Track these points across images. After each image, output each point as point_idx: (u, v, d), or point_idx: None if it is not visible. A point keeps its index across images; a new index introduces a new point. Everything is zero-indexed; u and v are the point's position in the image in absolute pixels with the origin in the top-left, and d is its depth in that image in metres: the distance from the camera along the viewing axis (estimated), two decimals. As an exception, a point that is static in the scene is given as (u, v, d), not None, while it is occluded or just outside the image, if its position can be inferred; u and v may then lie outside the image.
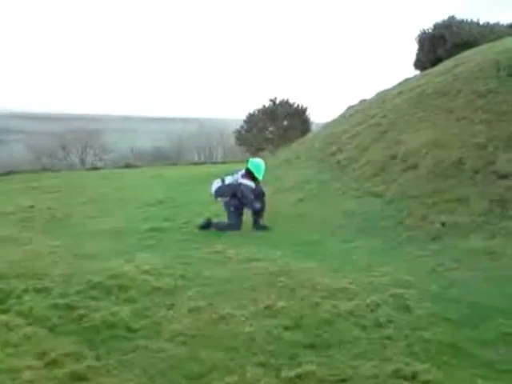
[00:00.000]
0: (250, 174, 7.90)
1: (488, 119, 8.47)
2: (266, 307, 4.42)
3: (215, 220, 7.87)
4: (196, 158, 28.74)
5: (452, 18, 17.86)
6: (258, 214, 7.91)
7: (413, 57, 18.21)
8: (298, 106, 18.25)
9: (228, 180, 8.00)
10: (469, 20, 17.53)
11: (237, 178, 7.95)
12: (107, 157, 27.09)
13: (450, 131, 8.64)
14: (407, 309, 4.43)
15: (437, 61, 15.25)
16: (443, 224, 6.65)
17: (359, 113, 13.24)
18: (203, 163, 21.04)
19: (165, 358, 3.57)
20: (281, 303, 4.47)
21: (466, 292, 4.83)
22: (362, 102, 15.62)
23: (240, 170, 8.13)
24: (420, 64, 17.27)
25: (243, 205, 7.86)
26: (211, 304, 4.50)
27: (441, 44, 16.59)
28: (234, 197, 7.84)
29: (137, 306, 4.49)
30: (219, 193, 7.96)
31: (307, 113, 18.25)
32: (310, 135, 15.39)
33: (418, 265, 5.66)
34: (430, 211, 7.00)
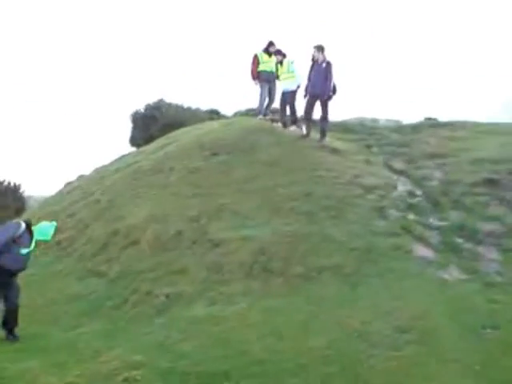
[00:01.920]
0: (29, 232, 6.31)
1: (199, 193, 9.24)
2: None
3: None
4: None
5: (161, 100, 19.26)
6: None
7: (128, 134, 18.86)
8: (9, 183, 16.86)
9: None
10: (175, 103, 19.18)
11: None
12: None
13: (167, 206, 9.11)
14: (139, 391, 4.35)
15: (150, 138, 16.09)
16: (167, 296, 6.84)
17: (78, 189, 12.93)
18: None
19: None
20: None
21: (194, 362, 5.02)
22: (81, 177, 15.34)
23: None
24: (135, 141, 17.97)
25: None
26: None
27: (153, 123, 17.64)
28: None
29: None
30: None
31: (21, 190, 17.01)
32: (25, 215, 14.25)
33: (147, 341, 5.66)
34: (155, 285, 7.13)
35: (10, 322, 6.20)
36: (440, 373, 4.44)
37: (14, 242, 6.08)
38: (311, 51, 11.18)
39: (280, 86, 12.13)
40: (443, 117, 15.19)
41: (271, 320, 5.85)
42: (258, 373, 4.73)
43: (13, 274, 6.18)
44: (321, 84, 10.79)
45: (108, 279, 7.72)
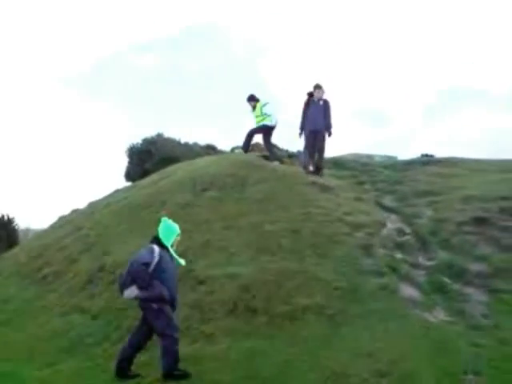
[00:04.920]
0: (158, 242, 5.97)
1: (187, 229, 9.15)
2: None
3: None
4: None
5: (159, 135, 19.41)
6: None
7: (124, 169, 18.95)
8: (3, 216, 16.87)
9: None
10: (173, 138, 19.35)
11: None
12: None
13: (155, 241, 9.04)
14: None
15: (145, 173, 16.17)
16: (150, 334, 6.71)
17: (69, 224, 12.90)
18: None
19: None
20: None
21: (168, 403, 4.89)
22: (74, 212, 15.34)
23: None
24: (130, 176, 18.04)
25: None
26: None
27: (148, 158, 17.75)
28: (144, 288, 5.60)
29: None
30: (121, 285, 5.74)
31: (14, 223, 17.00)
32: (16, 248, 14.20)
33: (123, 381, 5.53)
34: (137, 322, 7.00)
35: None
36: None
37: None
38: (308, 90, 11.61)
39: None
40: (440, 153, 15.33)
41: (250, 361, 5.72)
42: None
43: None
44: (321, 120, 11.17)
45: (90, 315, 7.59)
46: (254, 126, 12.57)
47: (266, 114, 12.24)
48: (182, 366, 5.72)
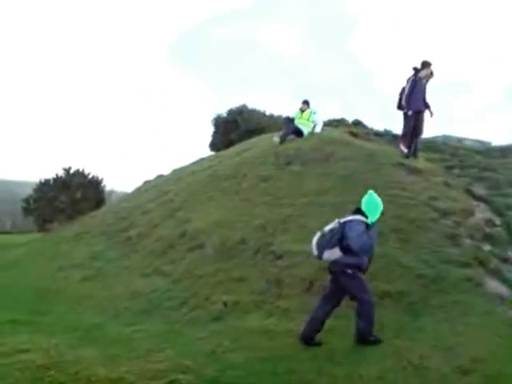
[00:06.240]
0: (361, 214, 5.76)
1: (268, 202, 9.22)
2: (28, 409, 3.95)
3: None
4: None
5: (244, 106, 19.50)
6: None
7: (209, 138, 19.27)
8: (93, 176, 17.77)
9: (330, 225, 5.73)
10: (258, 109, 19.37)
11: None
12: None
13: (236, 212, 9.18)
14: (181, 396, 4.37)
15: (230, 143, 16.34)
16: (225, 304, 6.85)
17: (154, 188, 13.38)
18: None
19: None
20: (46, 402, 4.05)
21: (241, 375, 4.96)
22: (159, 177, 15.87)
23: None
24: (215, 146, 18.31)
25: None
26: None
27: (234, 128, 17.90)
28: (346, 249, 5.54)
29: None
30: (321, 245, 5.62)
31: (103, 184, 17.89)
32: (103, 208, 14.98)
33: (199, 347, 5.68)
34: (214, 291, 7.17)
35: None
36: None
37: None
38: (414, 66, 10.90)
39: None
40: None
41: (326, 340, 5.68)
42: (304, 395, 4.61)
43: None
44: (423, 100, 10.61)
45: (171, 279, 7.87)
46: (296, 122, 12.55)
47: (313, 122, 12.62)
48: (256, 339, 5.80)
